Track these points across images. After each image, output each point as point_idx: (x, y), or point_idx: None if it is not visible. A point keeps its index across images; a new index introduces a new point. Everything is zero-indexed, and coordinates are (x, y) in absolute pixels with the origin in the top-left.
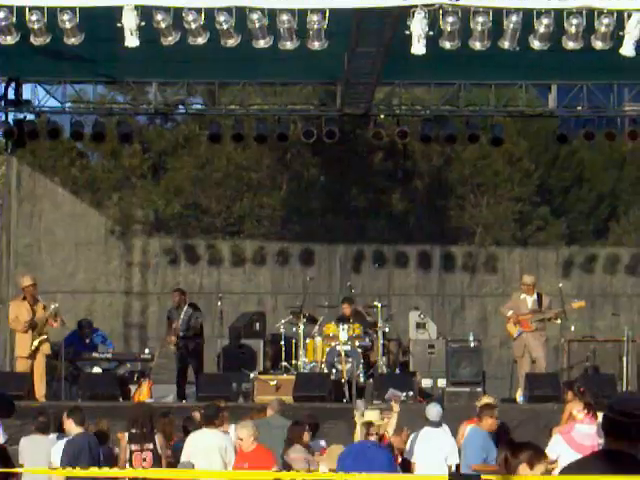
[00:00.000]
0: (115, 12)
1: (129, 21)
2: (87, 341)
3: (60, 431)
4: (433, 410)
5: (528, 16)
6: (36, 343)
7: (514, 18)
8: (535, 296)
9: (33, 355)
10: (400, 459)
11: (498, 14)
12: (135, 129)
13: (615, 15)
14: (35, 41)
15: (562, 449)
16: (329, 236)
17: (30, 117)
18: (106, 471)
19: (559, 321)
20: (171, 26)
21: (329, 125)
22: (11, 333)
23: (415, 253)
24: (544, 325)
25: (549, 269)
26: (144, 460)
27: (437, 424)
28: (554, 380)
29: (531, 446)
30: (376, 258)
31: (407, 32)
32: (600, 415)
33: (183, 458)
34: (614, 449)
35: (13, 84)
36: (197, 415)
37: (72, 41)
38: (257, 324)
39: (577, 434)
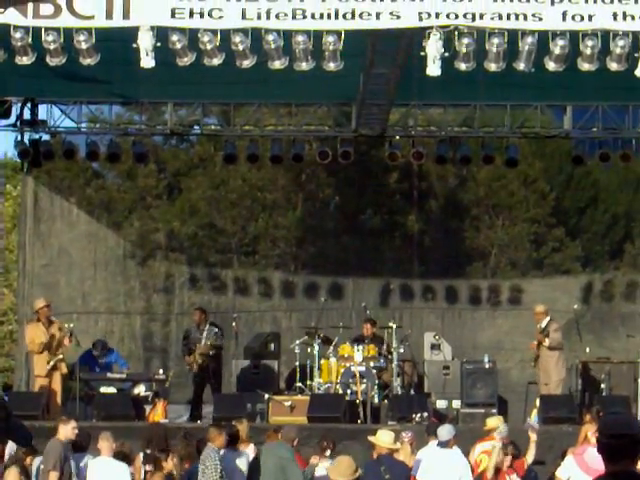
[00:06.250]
0: (131, 33)
1: (145, 42)
2: (101, 361)
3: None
4: (442, 430)
5: (543, 37)
6: (52, 363)
7: (529, 39)
8: (544, 323)
9: (50, 374)
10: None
11: (513, 35)
12: (150, 149)
13: (630, 37)
14: (51, 61)
15: (573, 470)
16: (344, 256)
17: (46, 137)
18: None
19: (547, 343)
20: (187, 47)
21: (344, 146)
22: (28, 354)
23: (429, 274)
24: (553, 351)
25: (565, 292)
26: None
27: (445, 444)
28: (569, 402)
29: None
30: (391, 278)
31: (422, 53)
32: None
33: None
34: (620, 470)
35: (29, 104)
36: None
37: (88, 61)
38: (272, 345)
39: (589, 457)
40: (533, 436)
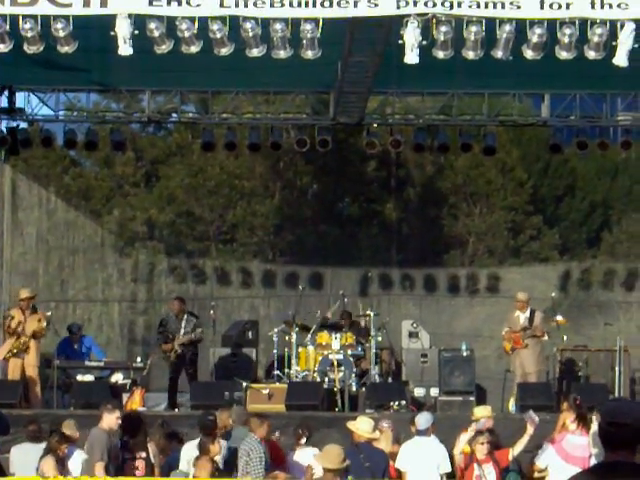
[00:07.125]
0: (109, 20)
1: (123, 29)
2: (76, 346)
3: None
4: (420, 418)
5: (521, 26)
6: (14, 350)
7: (507, 28)
8: (527, 313)
9: (16, 361)
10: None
11: (491, 24)
12: (128, 137)
13: (608, 25)
14: (28, 49)
15: (552, 458)
16: (322, 244)
17: (23, 125)
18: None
19: (546, 337)
20: (164, 35)
21: (322, 134)
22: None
23: (407, 262)
24: (538, 340)
25: (543, 280)
26: (137, 468)
27: (423, 432)
28: (546, 389)
29: None
30: (369, 266)
31: (400, 41)
32: (593, 426)
33: (181, 467)
34: (613, 460)
35: (6, 92)
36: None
37: (65, 49)
38: (250, 332)
39: (568, 444)
40: (530, 429)
